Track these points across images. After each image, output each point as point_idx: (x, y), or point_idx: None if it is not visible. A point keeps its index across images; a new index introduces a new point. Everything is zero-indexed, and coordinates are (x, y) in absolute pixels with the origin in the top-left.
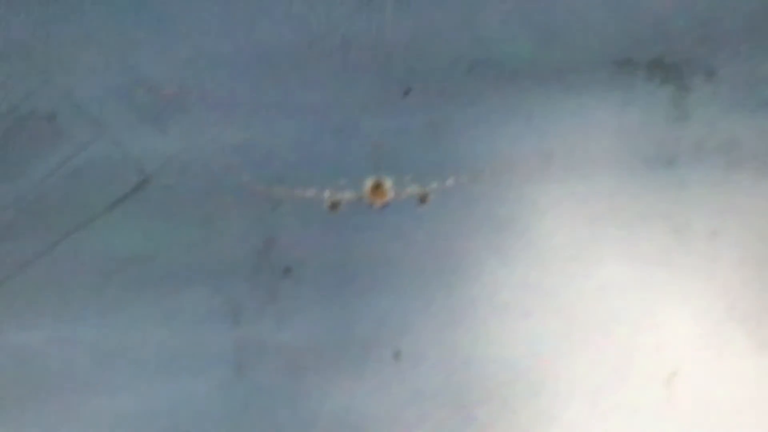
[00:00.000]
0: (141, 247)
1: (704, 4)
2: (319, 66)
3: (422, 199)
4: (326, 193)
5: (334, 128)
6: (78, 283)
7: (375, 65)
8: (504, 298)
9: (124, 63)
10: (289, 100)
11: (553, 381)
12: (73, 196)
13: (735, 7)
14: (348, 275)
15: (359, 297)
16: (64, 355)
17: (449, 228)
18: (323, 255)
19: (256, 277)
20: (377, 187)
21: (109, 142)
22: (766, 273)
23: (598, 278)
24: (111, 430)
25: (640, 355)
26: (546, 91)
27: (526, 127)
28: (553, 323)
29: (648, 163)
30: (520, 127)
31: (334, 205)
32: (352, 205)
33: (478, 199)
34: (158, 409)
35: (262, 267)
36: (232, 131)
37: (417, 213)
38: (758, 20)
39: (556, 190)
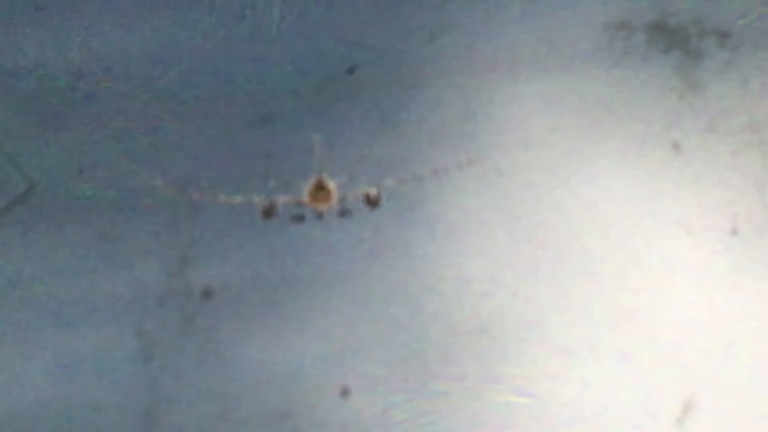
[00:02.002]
0: (27, 267)
1: None
2: (245, 43)
3: (373, 201)
4: (257, 198)
5: (264, 118)
6: None
7: (314, 38)
8: (475, 323)
9: (4, 43)
10: (210, 82)
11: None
12: None
13: None
14: (284, 299)
15: (297, 326)
16: None
17: (406, 236)
18: (253, 274)
19: (170, 302)
20: (319, 190)
21: None
22: None
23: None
24: None
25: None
26: (527, 66)
27: (505, 113)
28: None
29: (650, 148)
30: (496, 114)
31: (268, 212)
32: (290, 211)
33: (442, 199)
34: None
35: (176, 290)
36: (139, 125)
37: (368, 219)
38: None
39: (542, 181)
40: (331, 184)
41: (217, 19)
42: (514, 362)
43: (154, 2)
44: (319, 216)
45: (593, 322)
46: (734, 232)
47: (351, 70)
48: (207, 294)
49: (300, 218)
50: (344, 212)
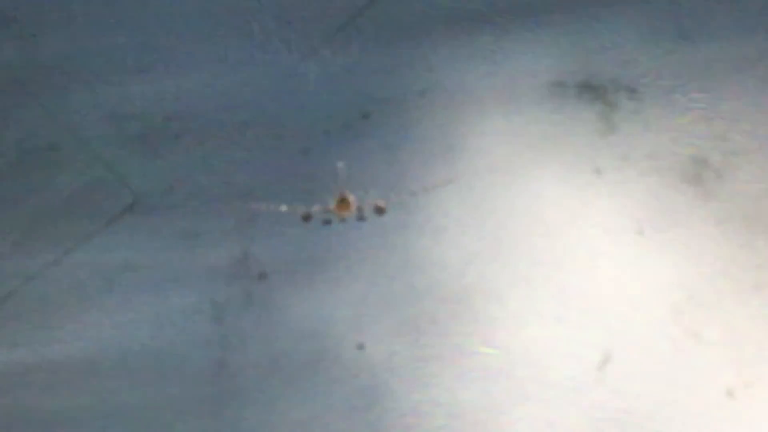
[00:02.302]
0: (134, 257)
1: (628, 36)
2: (289, 99)
3: (380, 211)
4: (298, 207)
5: (304, 150)
6: (82, 290)
7: (339, 93)
8: (454, 296)
9: (117, 95)
10: (264, 127)
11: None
12: (75, 215)
13: (653, 39)
14: (317, 279)
15: (326, 298)
16: (68, 352)
17: (404, 235)
18: (295, 262)
19: (235, 281)
20: (342, 202)
21: (104, 169)
22: (691, 267)
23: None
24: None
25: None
26: (492, 111)
27: (475, 146)
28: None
29: (579, 172)
30: (469, 146)
31: (306, 218)
32: (321, 217)
33: (429, 208)
34: (148, 400)
35: (240, 273)
36: (214, 155)
37: (377, 223)
38: (670, 45)
39: (502, 195)
40: (351, 197)
41: (270, 80)
42: (482, 323)
43: (224, 68)
44: (342, 220)
45: (538, 295)
46: (640, 232)
47: (365, 116)
48: (262, 276)
49: (328, 222)
50: (361, 218)
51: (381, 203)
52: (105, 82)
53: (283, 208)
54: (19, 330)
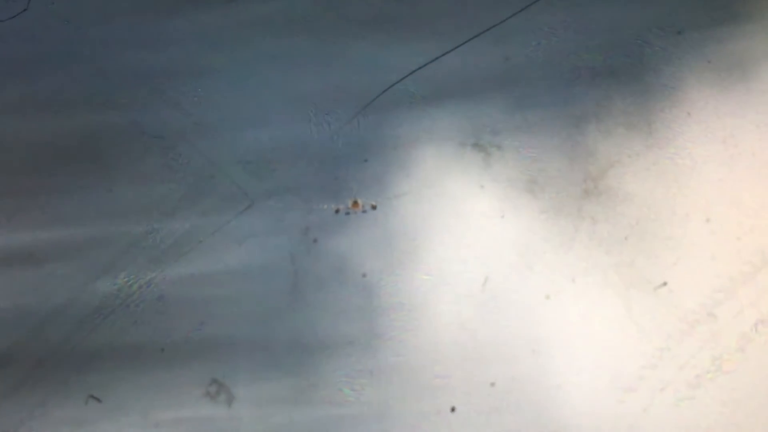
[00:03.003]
0: (251, 229)
1: (495, 118)
2: (327, 152)
3: (373, 207)
4: (333, 206)
5: (335, 178)
6: (229, 245)
7: (351, 150)
8: (405, 244)
9: (245, 145)
10: (315, 165)
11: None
12: (210, 212)
13: (510, 120)
14: (344, 239)
15: (348, 249)
16: None
17: (384, 217)
18: (331, 232)
19: (302, 242)
20: (355, 203)
21: (230, 182)
22: (524, 233)
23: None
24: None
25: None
26: (429, 156)
27: (419, 172)
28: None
29: (471, 186)
30: (417, 172)
31: (337, 211)
32: (344, 211)
33: (399, 207)
34: (255, 294)
35: (304, 238)
36: (290, 178)
37: (371, 214)
38: (518, 123)
39: (434, 201)
40: (360, 200)
41: (320, 142)
42: (424, 255)
43: (298, 133)
44: (355, 212)
45: (445, 254)
46: (502, 216)
47: (366, 160)
48: (315, 240)
49: (348, 213)
50: (364, 211)
51: (374, 203)
52: (238, 133)
53: (325, 206)
54: (190, 255)
